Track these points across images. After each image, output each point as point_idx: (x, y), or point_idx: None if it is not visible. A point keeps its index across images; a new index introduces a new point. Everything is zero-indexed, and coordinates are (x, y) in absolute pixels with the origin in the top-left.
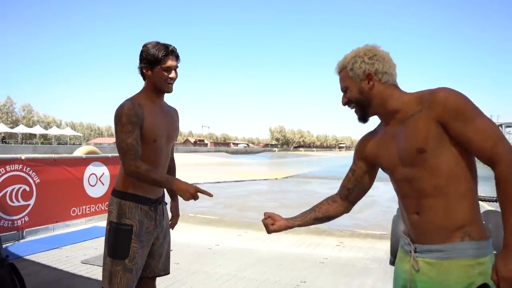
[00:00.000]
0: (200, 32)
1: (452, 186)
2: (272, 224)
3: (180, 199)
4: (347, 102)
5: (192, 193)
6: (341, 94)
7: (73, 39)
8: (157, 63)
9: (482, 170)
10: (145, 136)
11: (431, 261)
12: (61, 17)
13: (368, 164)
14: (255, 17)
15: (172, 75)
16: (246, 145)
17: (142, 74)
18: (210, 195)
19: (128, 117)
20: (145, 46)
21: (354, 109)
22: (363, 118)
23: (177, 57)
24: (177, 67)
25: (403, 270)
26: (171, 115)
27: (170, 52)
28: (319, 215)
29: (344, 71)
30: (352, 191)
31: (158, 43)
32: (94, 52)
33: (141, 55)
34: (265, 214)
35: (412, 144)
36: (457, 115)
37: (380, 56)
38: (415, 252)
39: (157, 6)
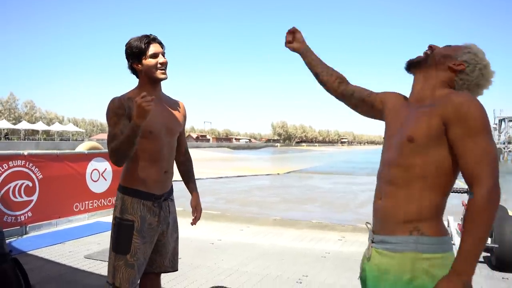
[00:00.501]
0: (202, 28)
1: (419, 183)
2: (290, 42)
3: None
4: (432, 48)
5: (138, 103)
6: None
7: (75, 35)
8: (143, 53)
9: None
10: None
11: (380, 251)
12: (63, 13)
13: (377, 108)
14: (256, 12)
15: (161, 59)
16: (248, 140)
17: (134, 71)
18: (149, 98)
19: (113, 110)
20: (127, 43)
21: (423, 53)
22: (414, 64)
23: (160, 44)
24: (163, 52)
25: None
26: (173, 107)
27: (152, 39)
28: (320, 75)
29: (464, 49)
30: (351, 98)
31: (138, 36)
32: (96, 48)
33: (126, 53)
34: (292, 28)
35: (407, 131)
36: (463, 122)
37: (486, 74)
38: (372, 242)
39: (158, 2)
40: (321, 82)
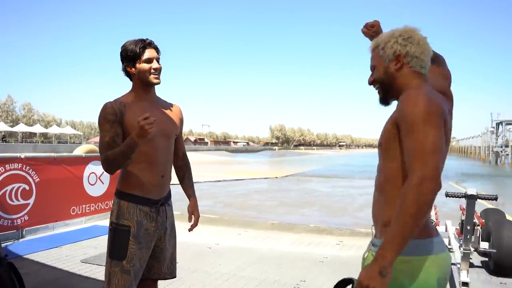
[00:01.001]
0: (200, 31)
1: (390, 185)
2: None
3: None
4: (372, 81)
5: (140, 124)
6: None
7: (73, 38)
8: (137, 58)
9: (484, 168)
10: (129, 132)
11: (372, 254)
12: (61, 15)
13: None
14: (255, 15)
15: (155, 65)
16: (245, 143)
17: (128, 74)
18: (150, 120)
19: (104, 116)
20: (122, 46)
21: (377, 91)
22: (384, 101)
23: (156, 49)
24: (158, 58)
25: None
26: (168, 110)
27: (147, 44)
28: None
29: (376, 50)
30: None
31: (134, 40)
32: (94, 51)
33: (121, 55)
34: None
35: (380, 136)
36: (405, 122)
37: (415, 39)
38: (372, 245)
39: (157, 4)
40: None
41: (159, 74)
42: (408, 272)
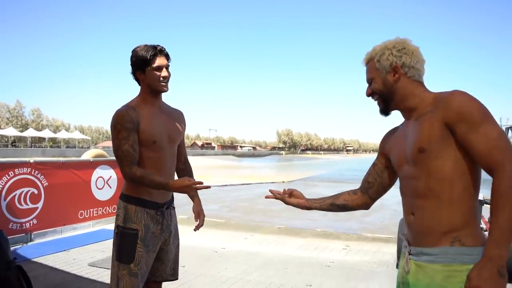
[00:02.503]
0: (208, 35)
1: (445, 189)
2: (289, 197)
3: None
4: (371, 93)
5: (188, 184)
6: (364, 88)
7: (82, 42)
8: (147, 64)
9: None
10: (143, 139)
11: (420, 264)
12: (70, 20)
13: (388, 159)
14: (262, 20)
15: (164, 73)
16: (250, 148)
17: (136, 79)
18: (206, 187)
19: (122, 124)
20: (133, 50)
21: (377, 102)
22: (384, 111)
23: (166, 56)
24: (168, 65)
25: (399, 272)
26: (173, 116)
27: (158, 51)
28: (336, 202)
29: (371, 63)
30: (372, 185)
31: (146, 45)
32: (103, 55)
33: (131, 60)
34: (284, 190)
35: (415, 143)
36: (463, 119)
37: (409, 50)
38: (410, 254)
39: (165, 8)
40: (343, 207)
41: (167, 82)
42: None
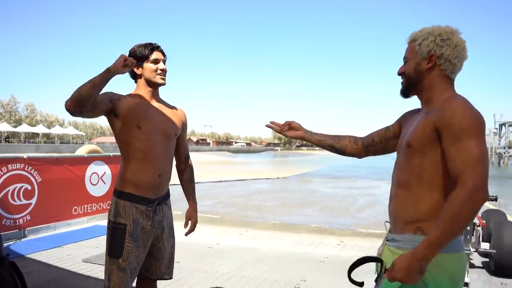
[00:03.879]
0: (203, 32)
1: (418, 185)
2: (288, 130)
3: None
4: (401, 73)
5: (121, 58)
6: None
7: (76, 38)
8: (145, 58)
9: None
10: (126, 120)
11: (392, 249)
12: (65, 16)
13: (400, 131)
14: (259, 16)
15: (162, 66)
16: (243, 144)
17: (133, 76)
18: (132, 61)
19: (112, 92)
20: (131, 48)
21: (401, 82)
22: (404, 93)
23: (162, 53)
24: (165, 60)
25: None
26: (170, 111)
27: (155, 47)
28: (335, 145)
29: (413, 43)
30: (375, 144)
31: (143, 43)
32: (98, 51)
33: (129, 56)
34: (285, 122)
35: (408, 137)
36: (450, 128)
37: (452, 42)
38: (387, 240)
39: (160, 5)
40: (339, 151)
41: (164, 75)
42: (437, 267)
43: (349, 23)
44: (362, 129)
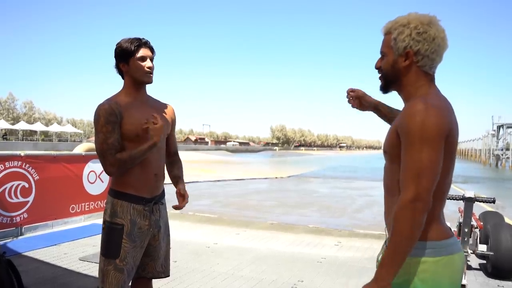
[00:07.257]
0: (201, 30)
1: (397, 188)
2: (358, 103)
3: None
4: (378, 68)
5: (160, 128)
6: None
7: (75, 36)
8: (131, 55)
9: (484, 171)
10: (126, 132)
11: None
12: (63, 14)
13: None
14: (256, 16)
15: (149, 64)
16: (235, 143)
17: (120, 72)
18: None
19: (105, 117)
20: (117, 43)
21: (379, 77)
22: (384, 89)
23: (151, 49)
24: (152, 57)
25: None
26: (159, 109)
27: (142, 43)
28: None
29: (388, 36)
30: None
31: (130, 38)
32: (95, 49)
33: (115, 52)
34: (349, 90)
35: (384, 143)
36: (405, 135)
37: (430, 36)
38: (385, 243)
39: (158, 3)
40: (386, 120)
41: (151, 73)
42: (422, 273)
43: (349, 23)
44: (363, 129)
